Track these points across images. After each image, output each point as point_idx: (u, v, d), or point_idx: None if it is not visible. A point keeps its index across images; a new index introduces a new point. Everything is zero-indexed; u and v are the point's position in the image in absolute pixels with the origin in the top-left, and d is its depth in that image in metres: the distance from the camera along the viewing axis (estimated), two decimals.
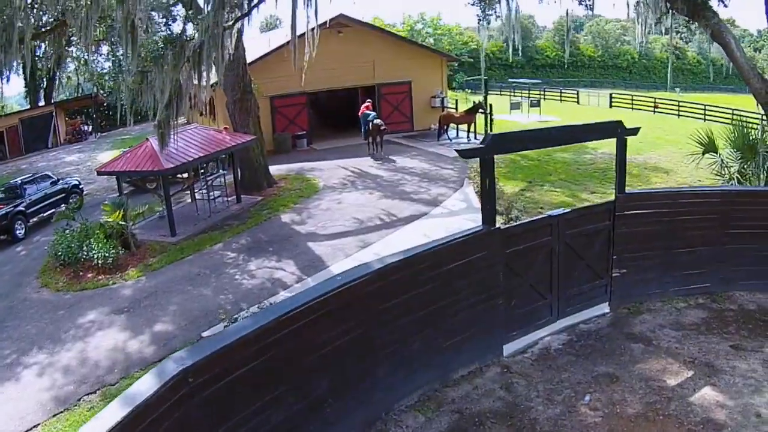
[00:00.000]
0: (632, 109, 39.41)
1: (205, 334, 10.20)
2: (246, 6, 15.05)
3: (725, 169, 13.69)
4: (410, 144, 25.02)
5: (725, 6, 15.42)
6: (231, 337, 5.60)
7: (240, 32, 16.85)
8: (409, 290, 7.30)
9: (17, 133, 31.97)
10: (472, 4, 15.67)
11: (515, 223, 8.38)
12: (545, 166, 19.15)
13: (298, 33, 12.94)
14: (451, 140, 25.03)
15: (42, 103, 38.88)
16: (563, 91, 47.79)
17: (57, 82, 42.12)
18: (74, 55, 34.36)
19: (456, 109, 28.08)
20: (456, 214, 15.03)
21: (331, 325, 6.48)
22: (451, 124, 25.56)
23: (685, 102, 37.51)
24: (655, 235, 9.57)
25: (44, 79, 40.81)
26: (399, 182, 18.14)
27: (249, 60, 24.14)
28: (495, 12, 14.91)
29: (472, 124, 25.09)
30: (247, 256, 13.73)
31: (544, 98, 45.27)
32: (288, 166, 22.18)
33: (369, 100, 24.90)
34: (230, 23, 14.10)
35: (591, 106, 42.28)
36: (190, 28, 15.77)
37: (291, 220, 15.98)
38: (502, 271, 8.09)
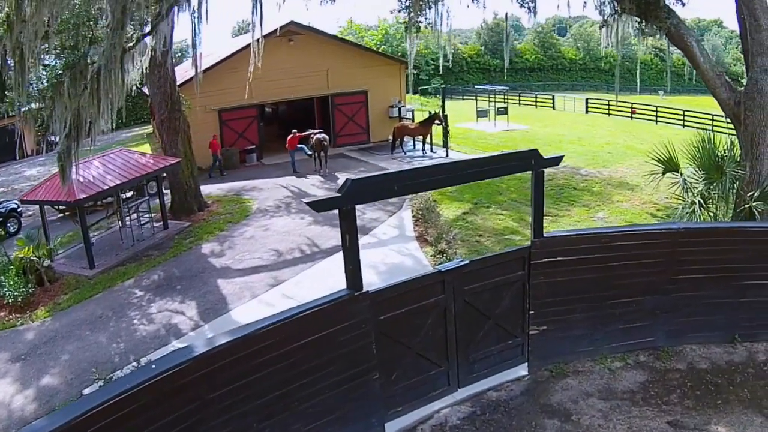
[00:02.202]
0: (609, 114, 38.10)
1: (85, 391, 9.40)
2: (150, 24, 13.69)
3: (687, 192, 12.16)
4: (362, 158, 23.59)
5: (683, 5, 13.87)
6: None
7: (165, 51, 15.45)
8: (250, 373, 6.06)
9: None
10: (399, 11, 14.29)
11: (388, 285, 6.90)
12: (497, 183, 17.65)
13: (245, 43, 11.57)
14: (405, 153, 23.68)
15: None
16: (539, 96, 46.42)
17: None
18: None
19: (412, 119, 26.63)
20: (384, 244, 13.53)
21: (146, 421, 5.42)
22: (407, 136, 24.17)
23: (663, 107, 36.29)
24: (584, 285, 8.08)
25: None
26: None
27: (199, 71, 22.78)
28: (425, 18, 13.53)
29: (429, 136, 23.72)
30: (153, 296, 12.78)
31: (519, 104, 43.93)
32: (230, 185, 20.82)
33: (294, 130, 22.71)
34: (131, 44, 12.76)
35: (567, 111, 40.80)
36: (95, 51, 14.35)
37: (210, 251, 14.67)
38: (375, 342, 6.65)
